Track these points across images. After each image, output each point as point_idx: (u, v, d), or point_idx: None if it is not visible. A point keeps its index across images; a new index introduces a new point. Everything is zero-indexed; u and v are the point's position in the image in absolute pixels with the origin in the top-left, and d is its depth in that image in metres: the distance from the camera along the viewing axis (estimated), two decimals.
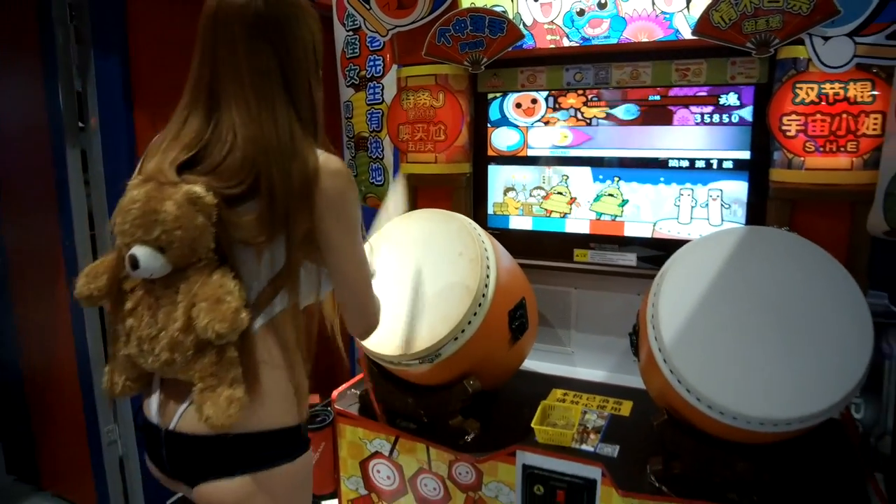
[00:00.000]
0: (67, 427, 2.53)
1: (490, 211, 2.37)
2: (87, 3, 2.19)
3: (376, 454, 2.04)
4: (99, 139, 2.21)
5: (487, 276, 1.79)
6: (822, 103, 1.74)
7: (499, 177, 2.34)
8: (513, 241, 2.16)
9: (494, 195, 2.36)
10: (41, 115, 2.25)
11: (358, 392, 2.13)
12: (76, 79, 2.22)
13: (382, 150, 2.38)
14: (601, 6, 2.00)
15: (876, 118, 1.69)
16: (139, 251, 1.06)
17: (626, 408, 2.04)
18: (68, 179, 2.21)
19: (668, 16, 1.94)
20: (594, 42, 2.05)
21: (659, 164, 2.08)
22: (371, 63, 2.34)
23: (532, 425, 1.83)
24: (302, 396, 1.22)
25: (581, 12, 2.03)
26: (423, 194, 2.39)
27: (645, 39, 1.98)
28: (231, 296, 1.07)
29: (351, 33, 2.36)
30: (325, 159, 1.16)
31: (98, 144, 2.21)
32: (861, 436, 2.15)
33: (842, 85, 1.72)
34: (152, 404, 1.20)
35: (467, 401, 1.85)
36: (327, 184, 1.14)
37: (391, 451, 2.01)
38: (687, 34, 1.91)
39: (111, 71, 2.24)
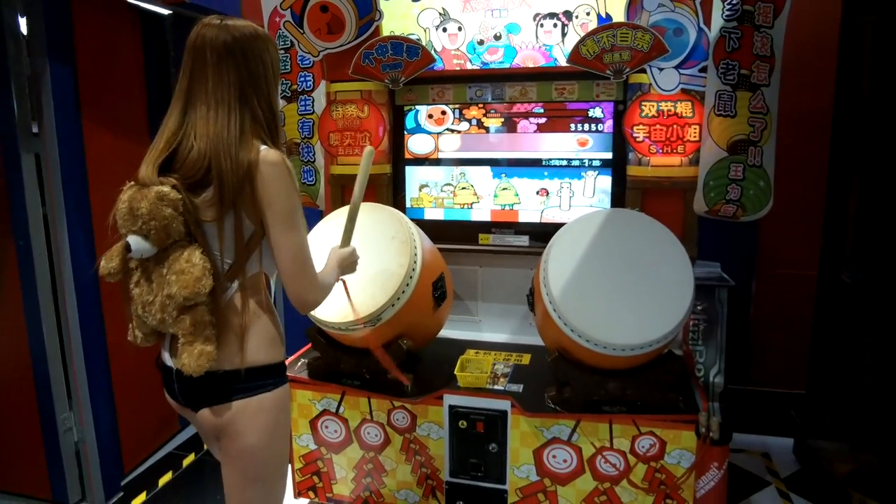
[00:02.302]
0: (19, 420, 2.64)
1: (408, 205, 2.78)
2: (40, 13, 2.37)
3: (324, 412, 2.40)
4: (55, 145, 2.39)
5: (415, 254, 2.22)
6: (660, 117, 2.31)
7: (414, 176, 2.76)
8: (428, 229, 2.54)
9: (411, 191, 2.78)
10: None
11: (306, 360, 2.48)
12: (27, 87, 2.40)
13: (314, 154, 2.72)
14: (497, 38, 2.48)
15: (696, 128, 2.29)
16: (131, 239, 1.38)
17: (525, 359, 2.55)
18: (23, 182, 2.39)
19: (548, 47, 2.46)
20: (491, 66, 2.53)
21: (544, 164, 2.59)
22: (302, 79, 2.68)
23: (455, 373, 2.29)
24: (278, 340, 1.55)
25: (481, 42, 2.50)
26: (350, 191, 2.75)
27: (531, 65, 2.49)
28: (194, 267, 1.37)
29: (283, 52, 2.69)
30: (266, 152, 1.42)
31: (55, 150, 2.40)
32: (696, 366, 2.79)
33: (673, 104, 2.30)
34: (165, 351, 1.53)
35: (402, 357, 2.26)
36: (264, 170, 1.40)
37: (338, 408, 2.39)
38: (563, 62, 2.43)
39: (62, 80, 2.43)
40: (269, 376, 1.52)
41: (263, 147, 1.43)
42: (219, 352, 1.45)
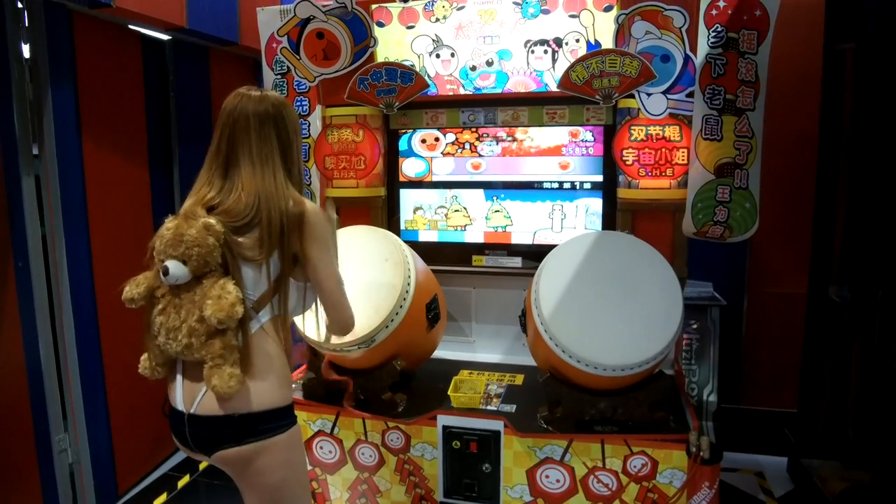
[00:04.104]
0: (14, 440, 2.63)
1: (402, 227, 2.82)
2: (43, 39, 2.44)
3: (319, 433, 2.42)
4: (56, 167, 2.44)
5: (409, 276, 2.26)
6: (649, 141, 2.36)
7: (409, 198, 2.81)
8: (422, 250, 2.56)
9: (406, 213, 2.82)
10: None
11: (301, 381, 2.49)
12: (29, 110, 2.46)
13: (310, 178, 2.77)
14: (489, 64, 2.55)
15: (683, 151, 2.34)
16: (169, 263, 1.48)
17: (518, 379, 2.57)
18: (23, 204, 2.42)
19: (539, 73, 2.52)
20: (484, 91, 2.58)
21: (536, 186, 2.64)
22: (298, 103, 2.73)
23: (448, 393, 2.31)
24: (288, 383, 1.64)
25: (473, 68, 2.57)
26: (345, 213, 2.80)
27: (522, 90, 2.54)
28: (230, 294, 1.47)
29: (279, 77, 2.74)
30: (309, 202, 1.63)
31: (55, 172, 2.45)
32: (688, 385, 2.80)
33: (661, 128, 2.35)
34: (177, 395, 1.57)
35: (395, 377, 2.29)
36: (312, 219, 1.60)
37: (332, 429, 2.40)
38: (553, 87, 2.48)
39: (63, 103, 2.49)
40: (283, 418, 1.60)
41: (304, 199, 1.62)
42: (236, 394, 1.50)
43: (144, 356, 1.57)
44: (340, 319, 1.72)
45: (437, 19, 2.56)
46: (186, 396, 1.55)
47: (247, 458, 1.54)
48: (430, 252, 2.64)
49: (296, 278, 1.63)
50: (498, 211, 2.70)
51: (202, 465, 3.25)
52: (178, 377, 1.58)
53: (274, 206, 1.54)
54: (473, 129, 2.67)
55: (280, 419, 1.58)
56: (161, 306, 1.52)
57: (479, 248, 2.73)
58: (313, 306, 1.74)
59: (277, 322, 1.62)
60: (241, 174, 1.58)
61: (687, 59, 2.29)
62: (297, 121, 1.75)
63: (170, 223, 1.53)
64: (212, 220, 1.50)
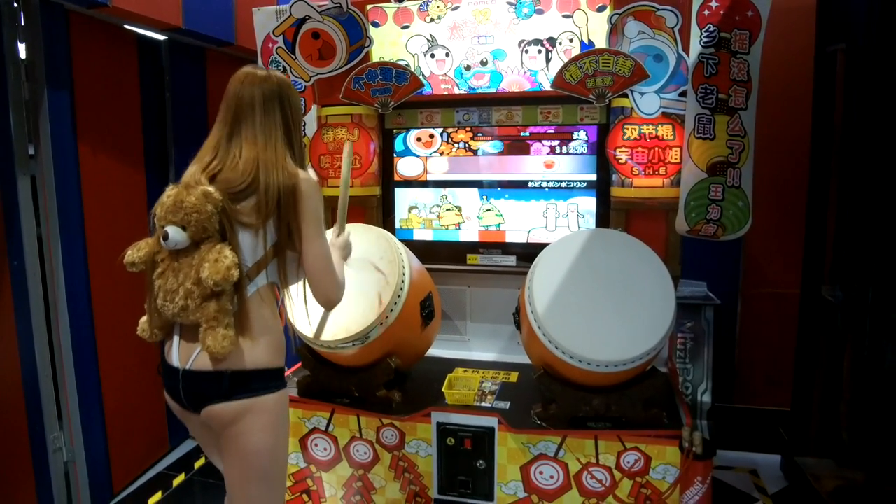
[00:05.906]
0: (8, 438, 2.63)
1: (397, 226, 2.83)
2: (39, 39, 2.45)
3: (314, 430, 2.42)
4: (52, 167, 2.45)
5: (403, 275, 2.26)
6: (642, 140, 2.38)
7: (404, 197, 2.82)
8: (417, 249, 2.58)
9: (400, 212, 2.83)
10: None
11: (296, 378, 2.50)
12: (25, 111, 2.47)
13: None
14: (483, 64, 2.56)
15: (676, 150, 2.36)
16: (169, 228, 1.54)
17: (513, 377, 2.58)
18: (19, 204, 2.43)
19: (533, 73, 2.53)
20: (478, 91, 2.60)
21: (529, 185, 2.65)
22: None
23: (443, 390, 2.32)
24: (282, 349, 1.70)
25: (468, 68, 2.58)
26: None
27: (516, 90, 2.56)
28: (226, 258, 1.52)
29: None
30: (304, 174, 1.69)
31: (51, 172, 2.46)
32: (682, 384, 2.81)
33: (654, 127, 2.37)
34: (173, 352, 1.64)
35: (390, 375, 2.29)
36: (304, 187, 1.64)
37: (327, 426, 2.41)
38: (547, 87, 2.50)
39: (59, 103, 2.51)
40: (273, 379, 1.65)
41: (301, 171, 1.68)
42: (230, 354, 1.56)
43: (143, 319, 1.64)
44: (323, 290, 1.71)
45: (432, 19, 2.58)
46: (182, 355, 1.62)
47: (234, 415, 1.58)
48: (424, 251, 2.65)
49: (291, 249, 1.67)
50: (492, 210, 2.71)
51: (197, 464, 3.25)
52: (176, 337, 1.64)
53: (272, 174, 1.60)
54: (468, 129, 2.69)
55: (271, 380, 1.64)
56: (160, 270, 1.59)
57: (474, 247, 2.74)
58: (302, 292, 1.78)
59: (273, 288, 1.68)
60: (243, 144, 1.64)
61: (679, 58, 2.31)
62: (300, 101, 1.81)
63: (170, 191, 1.59)
64: (211, 189, 1.56)
